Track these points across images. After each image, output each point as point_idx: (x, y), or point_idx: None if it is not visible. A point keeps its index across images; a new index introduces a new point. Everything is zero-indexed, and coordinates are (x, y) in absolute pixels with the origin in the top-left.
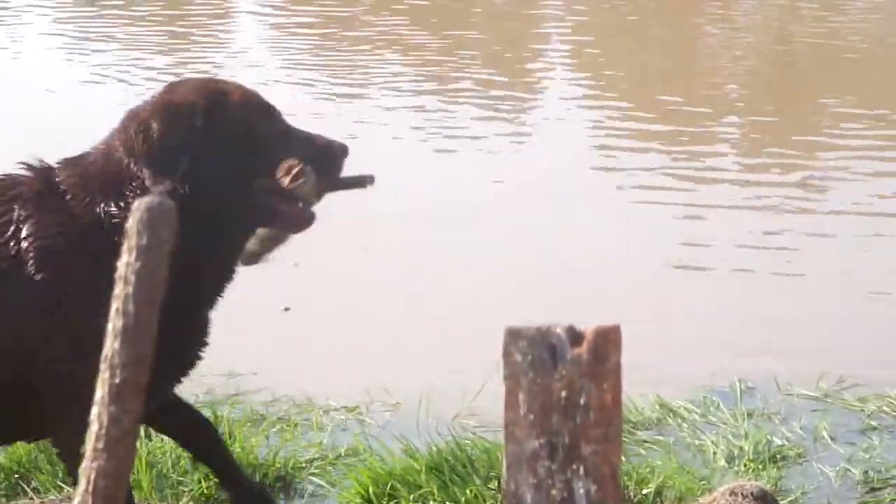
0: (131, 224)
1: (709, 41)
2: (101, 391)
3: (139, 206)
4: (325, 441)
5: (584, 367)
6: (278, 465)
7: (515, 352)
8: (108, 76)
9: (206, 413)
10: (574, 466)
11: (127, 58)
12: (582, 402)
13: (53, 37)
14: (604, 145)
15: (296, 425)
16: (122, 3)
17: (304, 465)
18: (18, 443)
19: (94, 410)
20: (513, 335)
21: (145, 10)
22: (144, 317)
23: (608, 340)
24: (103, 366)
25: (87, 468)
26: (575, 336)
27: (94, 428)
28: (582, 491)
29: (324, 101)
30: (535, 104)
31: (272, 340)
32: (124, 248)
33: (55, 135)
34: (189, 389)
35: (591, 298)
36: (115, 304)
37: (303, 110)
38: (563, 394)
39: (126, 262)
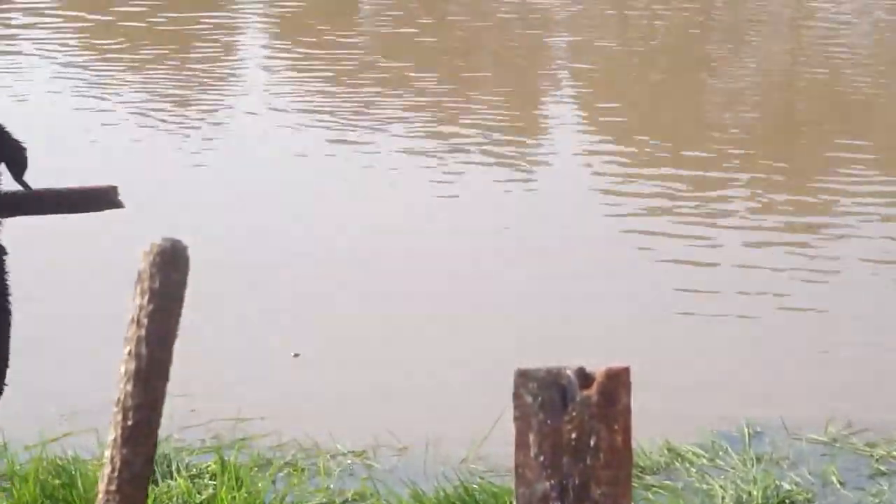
0: (143, 267)
1: (715, 87)
2: (113, 433)
3: (152, 248)
4: (332, 486)
5: (594, 409)
6: None
7: (526, 393)
8: (119, 120)
9: (213, 457)
10: None
11: (136, 100)
12: (592, 443)
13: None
14: (609, 190)
15: (303, 470)
16: (126, 45)
17: None
18: (24, 488)
19: (107, 453)
20: (523, 377)
21: (150, 54)
22: (157, 359)
23: (618, 382)
24: (116, 408)
25: None
26: (585, 378)
27: (106, 470)
28: None
29: (332, 144)
30: (541, 149)
31: (279, 385)
32: (136, 290)
33: None
34: (195, 434)
35: (597, 343)
36: (128, 347)
37: (309, 152)
38: (574, 435)
39: (139, 304)
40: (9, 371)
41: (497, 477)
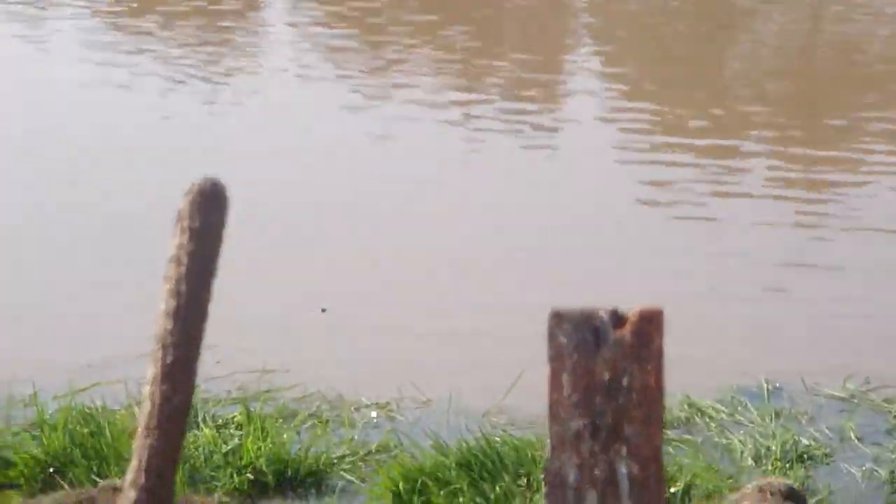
0: (184, 206)
1: (735, 58)
2: (153, 370)
3: (192, 188)
4: (356, 437)
5: (627, 350)
6: (310, 461)
7: (560, 334)
8: (145, 75)
9: (239, 408)
10: (616, 447)
11: (163, 56)
12: (625, 383)
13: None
14: (629, 151)
15: (327, 422)
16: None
17: (335, 461)
18: (53, 436)
19: (147, 389)
20: (557, 318)
21: (178, 10)
22: (197, 298)
23: (651, 323)
24: (155, 345)
25: (140, 446)
26: (618, 319)
27: (146, 406)
28: (624, 471)
29: (356, 99)
30: (561, 112)
31: (304, 338)
32: (176, 229)
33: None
34: (221, 386)
35: (618, 299)
36: (168, 285)
37: (334, 107)
38: (607, 375)
39: (179, 243)
40: (38, 322)
41: (518, 429)
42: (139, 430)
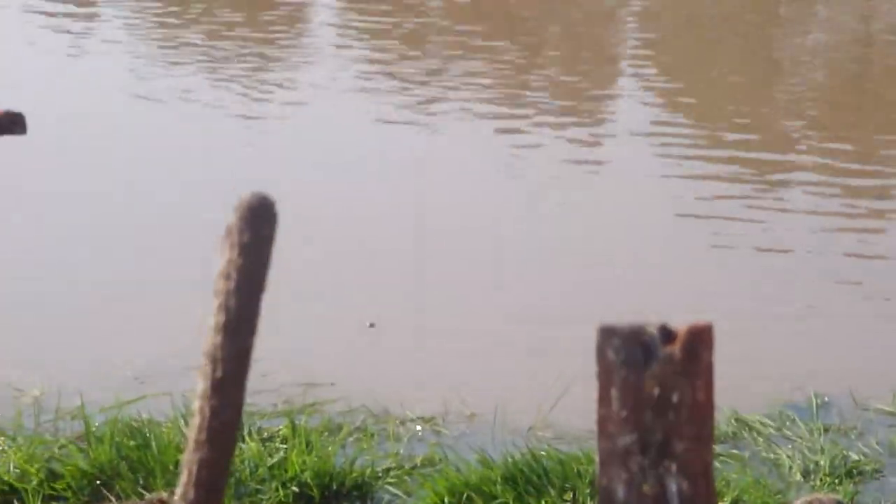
0: (233, 221)
1: (784, 63)
2: (203, 384)
3: (241, 203)
4: (401, 451)
5: (676, 366)
6: (355, 474)
7: (609, 349)
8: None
9: (284, 422)
10: (666, 463)
11: (205, 69)
12: (675, 399)
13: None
14: (673, 174)
15: (372, 435)
16: (201, 8)
17: (380, 474)
18: (100, 449)
19: (197, 403)
20: (606, 333)
21: (222, 20)
22: (246, 313)
23: (700, 339)
24: (205, 360)
25: (190, 459)
26: (667, 334)
27: (196, 420)
28: (674, 488)
29: (401, 109)
30: (606, 117)
31: (349, 351)
32: (225, 244)
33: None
34: (267, 399)
35: (665, 315)
36: (217, 300)
37: (380, 116)
38: (656, 391)
39: (228, 258)
40: (84, 334)
41: (564, 444)
42: (189, 444)
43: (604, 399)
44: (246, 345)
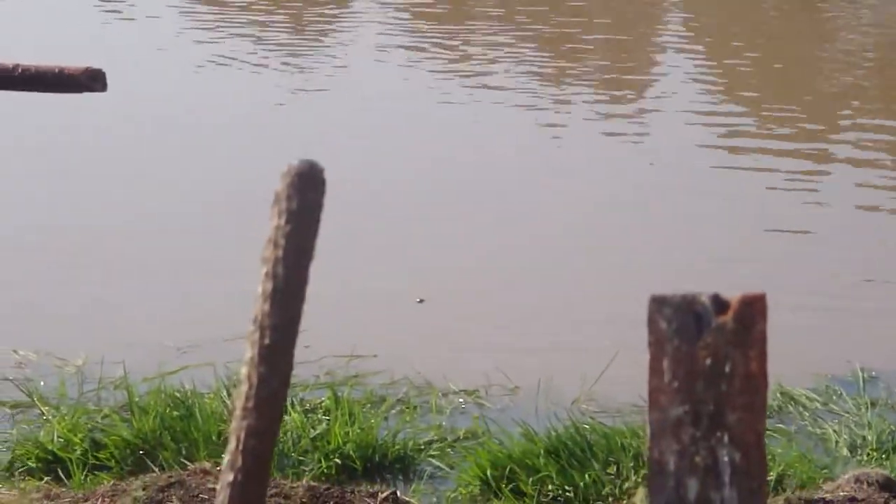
0: (281, 187)
1: (828, 44)
2: (250, 352)
3: (289, 169)
4: (444, 424)
5: (729, 336)
6: (397, 447)
7: (660, 319)
8: (232, 60)
9: (326, 393)
10: (719, 434)
11: (255, 41)
12: (727, 370)
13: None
14: (716, 145)
15: (415, 408)
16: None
17: (422, 446)
18: (144, 419)
19: (244, 370)
20: (658, 302)
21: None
22: (294, 279)
23: (754, 309)
24: (252, 327)
25: (237, 427)
26: (720, 304)
27: (243, 388)
28: (726, 458)
29: (442, 83)
30: (649, 101)
31: (391, 323)
32: (273, 211)
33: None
34: (309, 370)
35: (710, 287)
36: (265, 268)
37: (420, 91)
38: (708, 361)
39: (276, 225)
40: (128, 304)
41: (608, 417)
42: (236, 411)
43: (655, 370)
44: (294, 313)
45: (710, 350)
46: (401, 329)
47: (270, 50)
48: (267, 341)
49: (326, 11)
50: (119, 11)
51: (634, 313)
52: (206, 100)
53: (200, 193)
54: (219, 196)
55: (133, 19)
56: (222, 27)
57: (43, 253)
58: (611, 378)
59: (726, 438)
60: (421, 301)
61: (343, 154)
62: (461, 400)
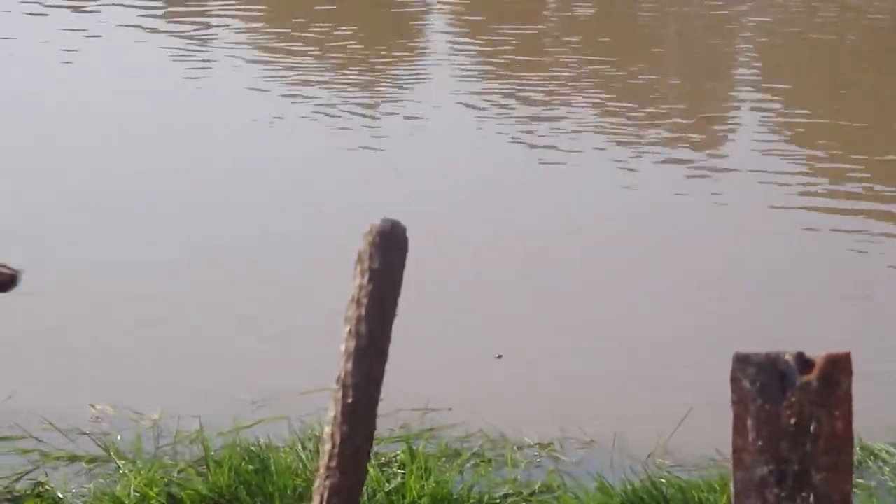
0: (363, 247)
1: None
2: (333, 410)
3: (371, 229)
4: (518, 477)
5: (814, 395)
6: (473, 500)
7: (744, 378)
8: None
9: (402, 447)
10: (804, 494)
11: (324, 87)
12: (812, 429)
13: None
14: (791, 205)
15: (490, 461)
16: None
17: (498, 500)
18: (219, 473)
19: (327, 430)
20: (741, 361)
21: (337, 46)
22: (376, 339)
23: (839, 367)
24: (336, 385)
25: (321, 486)
26: (804, 363)
27: (326, 446)
28: None
29: (514, 133)
30: (720, 148)
31: (465, 376)
32: (356, 270)
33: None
34: (384, 423)
35: (785, 337)
36: (348, 326)
37: (493, 143)
38: (793, 421)
39: (359, 284)
40: (202, 358)
41: (684, 471)
42: (319, 470)
43: (739, 429)
44: (376, 371)
45: (795, 409)
46: (475, 382)
47: (343, 100)
48: (350, 400)
49: (400, 62)
50: (196, 69)
51: (711, 369)
52: (277, 152)
53: (276, 247)
54: (296, 251)
55: (207, 67)
56: (290, 76)
57: (118, 307)
58: (687, 431)
59: (812, 499)
60: (500, 357)
61: (419, 208)
62: (536, 453)
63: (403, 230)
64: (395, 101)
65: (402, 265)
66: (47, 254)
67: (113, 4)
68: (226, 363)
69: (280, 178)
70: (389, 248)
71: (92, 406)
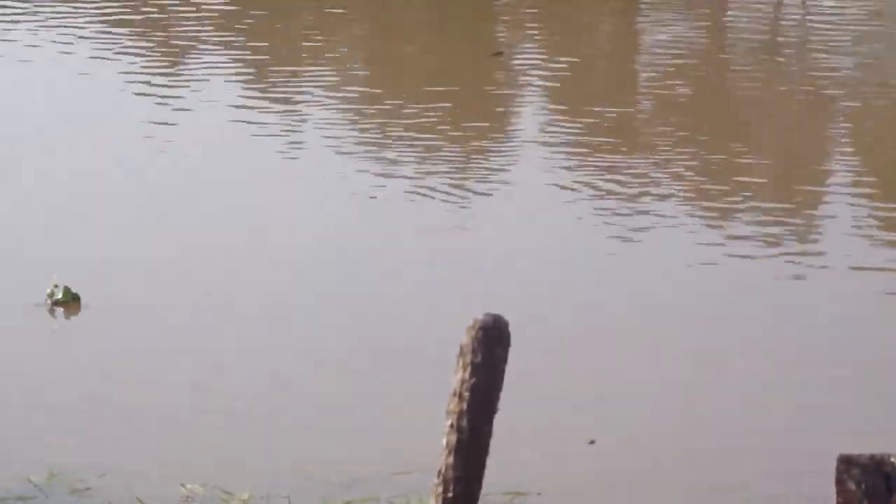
0: (466, 341)
1: None
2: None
3: (474, 324)
4: None
5: None
6: None
7: (849, 480)
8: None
9: None
10: None
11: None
12: None
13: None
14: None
15: None
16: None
17: None
18: None
19: None
20: (846, 463)
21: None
22: (478, 433)
23: None
24: (436, 480)
25: None
26: None
27: None
28: None
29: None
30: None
31: (557, 462)
32: (458, 364)
33: None
34: None
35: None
36: (450, 420)
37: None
38: None
39: (461, 378)
40: (291, 439)
41: None
42: None
43: None
44: (477, 465)
45: None
46: (566, 467)
47: (434, 181)
48: (450, 494)
49: (491, 141)
50: (289, 147)
51: (809, 465)
52: (369, 239)
53: (364, 334)
54: (384, 340)
55: (300, 148)
56: (382, 156)
57: (208, 390)
58: None
59: None
60: (592, 442)
61: (509, 291)
62: None
63: (506, 324)
64: (486, 181)
65: (504, 360)
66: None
67: (209, 75)
68: (315, 445)
69: (372, 263)
70: (493, 341)
71: (183, 486)
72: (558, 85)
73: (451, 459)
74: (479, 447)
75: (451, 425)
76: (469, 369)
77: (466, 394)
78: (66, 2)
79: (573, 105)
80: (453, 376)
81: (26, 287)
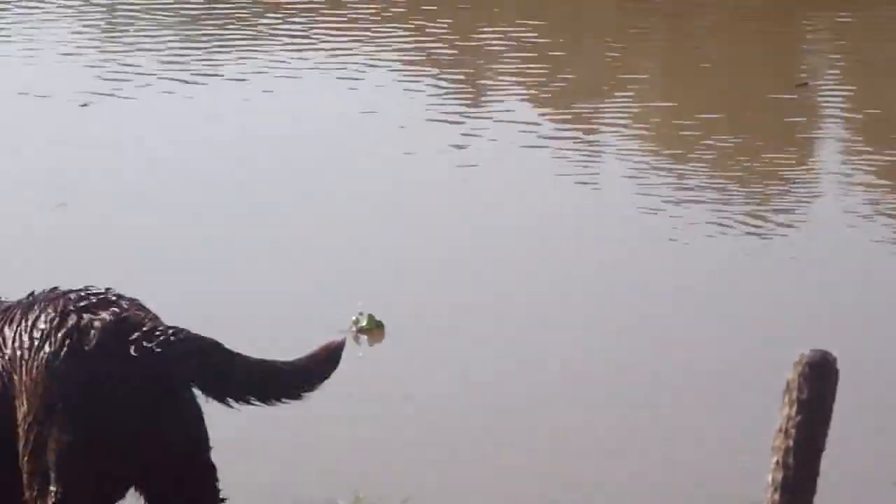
0: (792, 377)
1: None
2: None
3: (801, 359)
4: None
5: None
6: None
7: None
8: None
9: None
10: None
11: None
12: None
13: None
14: None
15: None
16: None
17: None
18: None
19: None
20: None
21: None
22: (806, 470)
23: None
24: None
25: None
26: None
27: None
28: None
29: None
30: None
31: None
32: (784, 400)
33: None
34: None
35: None
36: (776, 457)
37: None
38: None
39: (787, 414)
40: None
41: None
42: None
43: None
44: (804, 503)
45: None
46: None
47: (743, 215)
48: None
49: (790, 173)
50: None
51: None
52: (664, 277)
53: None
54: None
55: (594, 182)
56: (680, 190)
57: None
58: None
59: None
60: None
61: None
62: None
63: (833, 360)
64: (789, 212)
65: (832, 396)
66: None
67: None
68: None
69: (679, 298)
70: (819, 378)
71: None
72: (860, 116)
73: (776, 497)
74: (806, 485)
75: (777, 462)
76: (795, 406)
77: (793, 430)
78: (366, 41)
79: (879, 140)
80: (779, 412)
81: (332, 312)
